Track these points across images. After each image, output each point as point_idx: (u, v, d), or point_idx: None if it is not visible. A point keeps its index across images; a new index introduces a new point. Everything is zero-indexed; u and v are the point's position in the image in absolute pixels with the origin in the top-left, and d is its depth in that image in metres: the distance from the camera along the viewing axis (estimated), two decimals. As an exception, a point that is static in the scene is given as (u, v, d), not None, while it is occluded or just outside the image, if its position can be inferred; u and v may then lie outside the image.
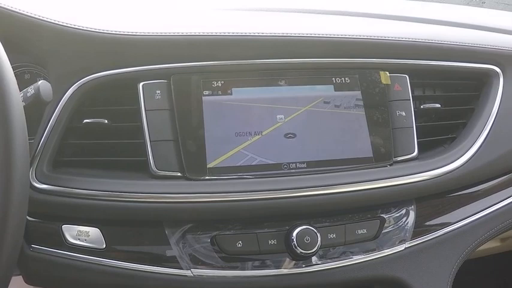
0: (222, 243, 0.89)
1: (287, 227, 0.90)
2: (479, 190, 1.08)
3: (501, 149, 1.06)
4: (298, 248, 0.88)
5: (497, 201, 1.08)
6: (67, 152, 0.89)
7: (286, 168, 0.91)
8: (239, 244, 0.89)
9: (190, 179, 0.88)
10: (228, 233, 0.90)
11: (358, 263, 0.94)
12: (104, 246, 0.88)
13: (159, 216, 0.89)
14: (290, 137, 0.93)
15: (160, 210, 0.87)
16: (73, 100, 0.86)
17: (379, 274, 0.95)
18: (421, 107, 1.03)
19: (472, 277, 1.88)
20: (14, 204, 0.60)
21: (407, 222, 0.98)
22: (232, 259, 0.90)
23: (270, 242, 0.89)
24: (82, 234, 0.88)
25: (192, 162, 0.88)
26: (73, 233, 0.88)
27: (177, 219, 0.89)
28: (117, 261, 0.89)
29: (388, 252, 0.96)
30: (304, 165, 0.92)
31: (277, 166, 0.91)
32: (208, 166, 0.89)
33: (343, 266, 0.93)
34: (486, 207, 1.07)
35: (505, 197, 1.10)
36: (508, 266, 2.03)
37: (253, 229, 0.90)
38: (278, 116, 0.93)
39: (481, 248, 1.31)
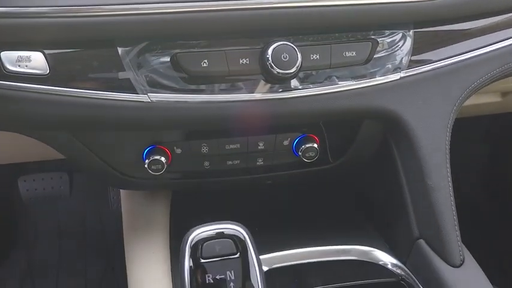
0: (184, 62, 0.75)
1: (262, 44, 0.75)
2: (484, 25, 0.92)
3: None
4: (274, 67, 0.74)
5: (503, 39, 0.93)
6: None
7: (260, -24, 0.75)
8: (204, 63, 0.75)
9: None
10: (191, 50, 0.75)
11: (346, 90, 0.81)
12: (48, 71, 0.74)
13: (111, 32, 0.74)
14: None
15: (112, 24, 0.73)
16: None
17: (370, 105, 0.83)
18: None
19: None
20: None
21: (404, 49, 0.84)
22: (196, 81, 0.76)
23: (241, 61, 0.75)
24: (23, 60, 0.73)
25: (147, -32, 0.72)
26: (13, 59, 0.73)
27: (131, 35, 0.75)
28: (63, 88, 0.75)
29: (381, 80, 0.83)
30: (283, -27, 0.76)
31: (249, -26, 0.75)
32: (167, -26, 0.73)
33: (328, 92, 0.80)
34: (491, 43, 0.92)
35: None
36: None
37: (222, 46, 0.75)
38: None
39: (481, 102, 1.19)
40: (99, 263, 2.00)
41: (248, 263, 0.63)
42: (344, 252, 0.91)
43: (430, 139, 0.86)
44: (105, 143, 0.87)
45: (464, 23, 0.90)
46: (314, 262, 0.89)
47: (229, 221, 0.65)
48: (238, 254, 0.63)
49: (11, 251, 2.02)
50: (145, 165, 0.85)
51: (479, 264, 0.86)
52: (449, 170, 0.85)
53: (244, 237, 0.63)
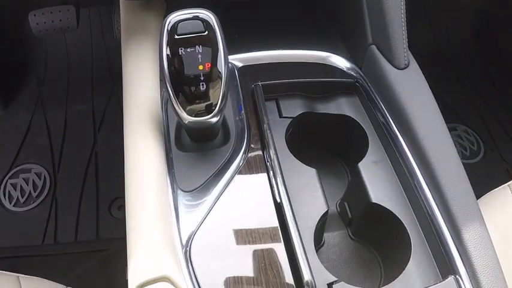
0: None
1: None
2: None
3: None
4: None
5: None
6: None
7: None
8: None
9: None
10: None
11: None
12: None
13: None
14: None
15: None
16: None
17: None
18: None
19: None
20: None
21: None
22: None
23: None
24: None
25: None
26: None
27: None
28: None
29: None
30: None
31: None
32: None
33: None
34: None
35: None
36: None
37: None
38: None
39: None
40: (104, 91, 2.16)
41: (215, 40, 0.76)
42: (308, 56, 1.04)
43: None
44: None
45: None
46: (282, 63, 1.02)
47: (201, 8, 0.77)
48: (207, 32, 0.76)
49: (22, 83, 2.18)
50: None
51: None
52: None
53: (212, 20, 0.76)
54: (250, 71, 0.99)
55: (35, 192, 1.89)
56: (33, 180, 1.92)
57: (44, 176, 1.92)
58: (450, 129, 2.02)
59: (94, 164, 1.94)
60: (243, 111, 0.92)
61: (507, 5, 2.15)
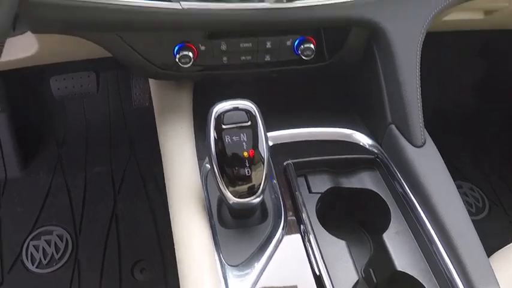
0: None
1: None
2: None
3: None
4: (280, -18, 0.92)
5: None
6: None
7: None
8: None
9: None
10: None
11: (339, 2, 1.00)
12: None
13: None
14: None
15: None
16: None
17: (357, 15, 1.02)
18: None
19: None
20: None
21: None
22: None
23: None
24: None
25: None
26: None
27: None
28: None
29: (365, -4, 1.02)
30: None
31: None
32: None
33: (324, 4, 1.00)
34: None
35: None
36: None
37: None
38: None
39: (464, 18, 1.37)
40: (123, 154, 2.23)
41: (257, 128, 0.85)
42: (333, 133, 1.14)
43: (404, 45, 1.05)
44: (145, 42, 1.05)
45: None
46: (309, 141, 1.12)
47: (244, 99, 0.87)
48: (250, 122, 0.85)
49: (42, 145, 2.25)
50: (176, 59, 1.05)
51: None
52: (418, 69, 1.06)
53: (254, 110, 0.86)
54: (281, 149, 1.08)
55: (57, 254, 1.93)
56: (55, 242, 1.97)
57: (66, 238, 1.97)
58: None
59: (115, 226, 1.99)
60: (274, 181, 1.00)
61: (507, 60, 2.25)
